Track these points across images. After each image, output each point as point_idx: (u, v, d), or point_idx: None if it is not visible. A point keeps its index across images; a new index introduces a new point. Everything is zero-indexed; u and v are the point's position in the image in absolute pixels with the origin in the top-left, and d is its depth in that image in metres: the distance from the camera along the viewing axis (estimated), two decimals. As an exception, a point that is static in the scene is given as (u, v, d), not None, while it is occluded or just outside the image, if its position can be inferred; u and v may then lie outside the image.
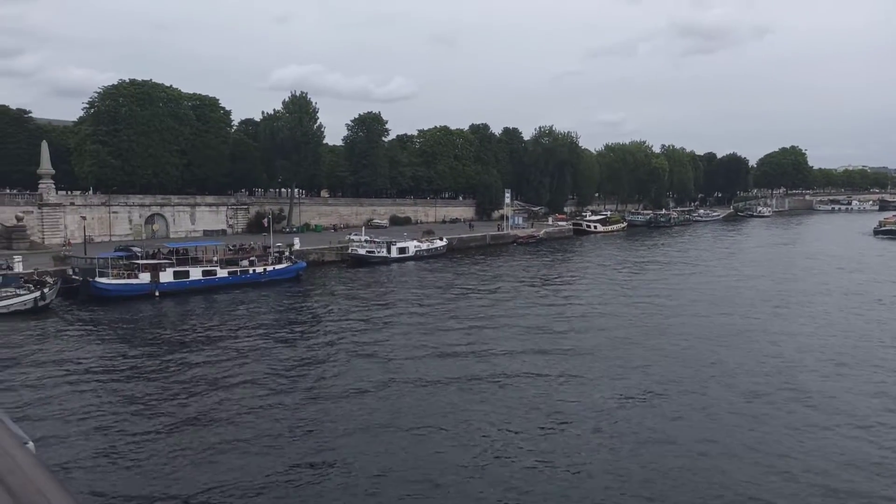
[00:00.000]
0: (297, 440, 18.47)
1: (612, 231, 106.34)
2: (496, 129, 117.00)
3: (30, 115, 74.84)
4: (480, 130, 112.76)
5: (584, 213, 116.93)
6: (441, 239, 71.30)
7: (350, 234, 68.90)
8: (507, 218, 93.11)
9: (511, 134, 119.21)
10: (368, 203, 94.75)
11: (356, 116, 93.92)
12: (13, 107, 73.19)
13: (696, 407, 21.42)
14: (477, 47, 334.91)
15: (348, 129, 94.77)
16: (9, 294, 35.56)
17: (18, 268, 40.73)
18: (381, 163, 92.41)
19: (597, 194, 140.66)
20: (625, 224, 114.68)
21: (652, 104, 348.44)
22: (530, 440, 18.54)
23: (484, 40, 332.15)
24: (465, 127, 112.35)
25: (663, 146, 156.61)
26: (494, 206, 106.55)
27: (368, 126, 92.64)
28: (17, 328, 32.40)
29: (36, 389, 22.90)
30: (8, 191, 66.57)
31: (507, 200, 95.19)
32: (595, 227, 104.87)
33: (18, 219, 55.93)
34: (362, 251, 61.25)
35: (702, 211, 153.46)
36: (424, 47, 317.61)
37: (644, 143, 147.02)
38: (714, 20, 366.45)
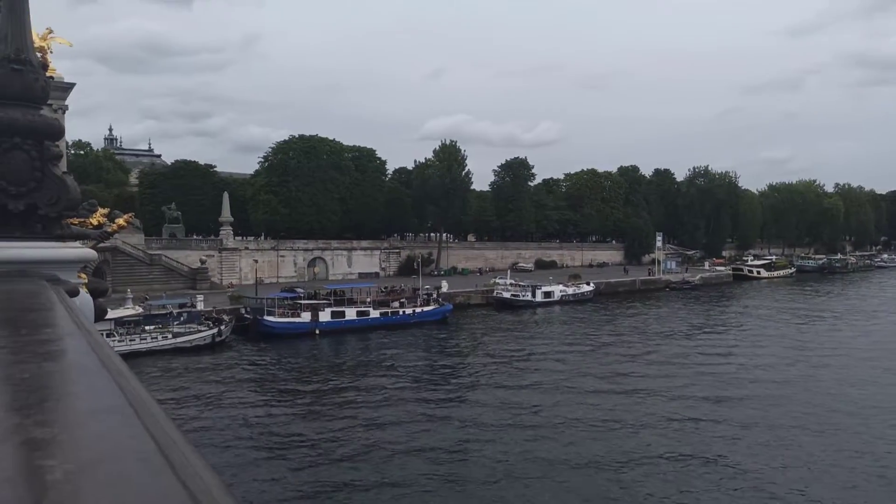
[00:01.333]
0: (443, 474, 18.71)
1: (777, 277, 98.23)
2: (646, 171, 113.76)
3: (215, 169, 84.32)
4: (629, 172, 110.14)
5: (744, 258, 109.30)
6: (588, 283, 69.84)
7: (495, 277, 69.57)
8: (660, 262, 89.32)
9: (662, 175, 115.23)
10: (514, 247, 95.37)
11: (503, 162, 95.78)
12: (202, 162, 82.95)
13: (870, 477, 18.97)
14: (627, 89, 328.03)
15: (495, 175, 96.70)
16: (192, 330, 39.79)
17: (200, 306, 45.47)
18: (526, 207, 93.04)
19: (760, 238, 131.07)
20: (793, 269, 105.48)
21: (823, 140, 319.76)
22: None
23: (634, 81, 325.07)
24: (614, 169, 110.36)
25: (837, 185, 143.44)
26: (644, 250, 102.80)
27: (515, 171, 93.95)
28: (198, 360, 36.03)
29: (210, 413, 25.25)
30: (194, 237, 74.97)
31: (659, 244, 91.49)
32: (758, 272, 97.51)
33: (202, 262, 62.72)
34: (507, 294, 61.53)
35: (885, 256, 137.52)
36: (572, 92, 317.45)
37: (814, 181, 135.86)
38: (893, 49, 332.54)
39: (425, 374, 33.38)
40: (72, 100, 50.84)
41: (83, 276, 4.00)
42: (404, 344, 42.17)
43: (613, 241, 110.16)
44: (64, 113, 57.19)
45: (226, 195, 69.59)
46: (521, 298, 61.10)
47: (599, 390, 29.05)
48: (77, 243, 3.91)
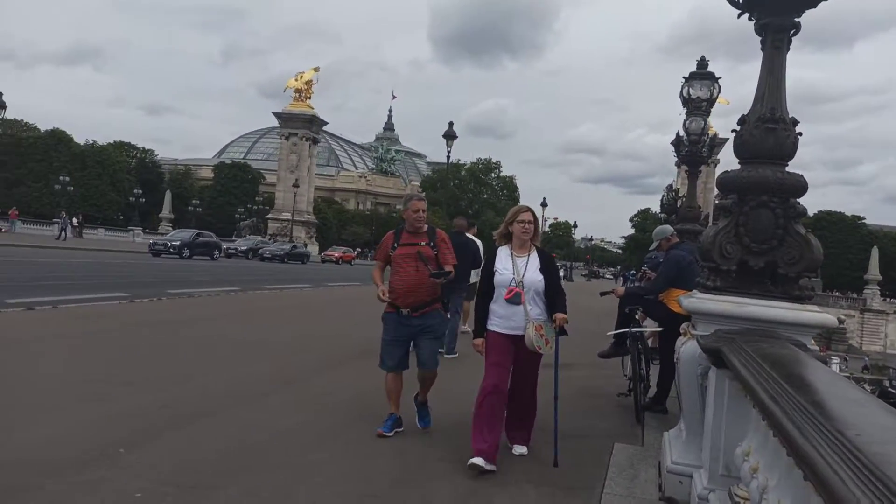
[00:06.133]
0: None
1: None
2: None
3: (863, 220, 76.05)
4: None
5: None
6: None
7: None
8: None
9: None
10: None
11: None
12: (847, 213, 76.04)
13: None
14: None
15: None
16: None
17: (835, 369, 41.29)
18: None
19: None
20: None
21: None
22: None
23: None
24: None
25: None
26: None
27: None
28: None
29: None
30: (832, 293, 69.11)
31: None
32: None
33: (840, 321, 57.07)
34: None
35: None
36: None
37: None
38: None
39: None
40: (725, 154, 54.33)
41: (813, 342, 3.73)
42: None
43: None
44: (715, 167, 61.67)
45: (874, 250, 61.70)
46: None
47: None
48: (813, 306, 3.66)
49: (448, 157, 34.50)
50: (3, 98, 33.12)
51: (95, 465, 3.78)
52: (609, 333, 6.34)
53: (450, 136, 31.96)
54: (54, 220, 51.32)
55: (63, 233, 45.15)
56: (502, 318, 4.47)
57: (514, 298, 4.41)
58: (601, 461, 4.42)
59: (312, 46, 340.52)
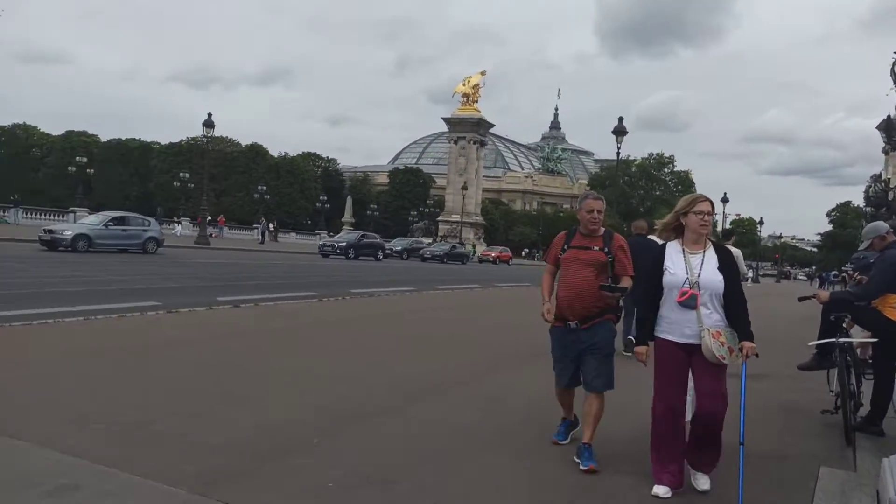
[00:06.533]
0: None
1: None
2: None
3: None
4: None
5: None
6: None
7: None
8: None
9: None
10: None
11: None
12: None
13: None
14: None
15: None
16: None
17: None
18: None
19: None
20: None
21: None
22: None
23: None
24: None
25: None
26: None
27: None
28: None
29: None
30: None
31: None
32: None
33: None
34: None
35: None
36: None
37: None
38: None
39: None
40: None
41: None
42: None
43: None
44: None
45: None
46: None
47: None
48: None
49: (618, 153, 33.43)
50: (213, 118, 37.72)
51: (295, 454, 4.12)
52: (811, 344, 5.69)
53: (619, 131, 30.93)
54: (254, 225, 57.33)
55: (262, 237, 50.37)
56: (673, 324, 3.88)
57: (689, 301, 3.80)
58: (805, 486, 3.97)
59: (479, 50, 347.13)
